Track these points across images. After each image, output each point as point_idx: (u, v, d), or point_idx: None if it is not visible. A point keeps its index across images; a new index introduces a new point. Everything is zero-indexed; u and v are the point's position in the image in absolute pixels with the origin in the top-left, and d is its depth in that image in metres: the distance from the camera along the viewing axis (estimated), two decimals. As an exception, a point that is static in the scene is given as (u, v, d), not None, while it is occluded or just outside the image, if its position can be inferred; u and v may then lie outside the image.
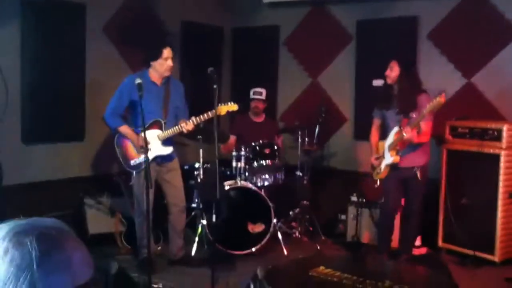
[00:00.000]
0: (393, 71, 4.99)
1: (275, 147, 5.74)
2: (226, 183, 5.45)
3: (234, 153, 5.66)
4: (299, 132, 6.01)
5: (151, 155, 4.77)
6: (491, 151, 5.09)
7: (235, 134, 6.13)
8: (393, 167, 4.99)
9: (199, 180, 5.41)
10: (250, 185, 5.48)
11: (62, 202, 5.52)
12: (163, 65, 4.85)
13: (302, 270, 3.07)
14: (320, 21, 6.80)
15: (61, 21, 5.51)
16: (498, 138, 5.07)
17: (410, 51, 6.13)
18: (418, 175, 4.92)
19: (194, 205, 5.53)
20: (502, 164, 5.01)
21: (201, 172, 5.42)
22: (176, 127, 4.87)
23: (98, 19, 5.86)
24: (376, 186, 5.20)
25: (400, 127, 4.85)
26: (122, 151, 4.92)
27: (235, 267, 5.08)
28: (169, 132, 4.87)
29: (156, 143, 4.84)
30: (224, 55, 7.35)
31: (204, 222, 5.30)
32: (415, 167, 4.93)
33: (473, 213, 5.15)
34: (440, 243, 5.48)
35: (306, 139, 6.07)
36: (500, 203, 5.01)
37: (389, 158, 4.97)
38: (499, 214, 5.01)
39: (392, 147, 4.94)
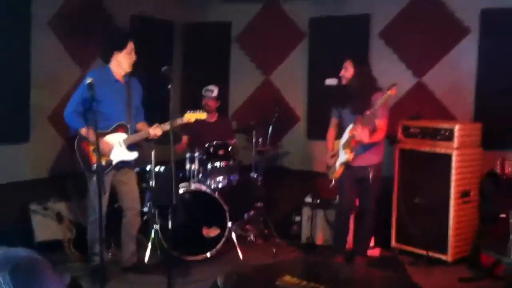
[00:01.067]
0: (348, 71, 4.98)
1: (229, 148, 5.64)
2: (180, 185, 5.30)
3: (187, 155, 5.51)
4: (254, 132, 5.92)
5: (114, 160, 4.58)
6: (443, 151, 5.14)
7: (187, 134, 5.97)
8: (347, 166, 4.98)
9: (151, 183, 5.22)
10: (204, 188, 5.37)
11: (5, 208, 5.26)
12: (128, 58, 4.63)
13: (267, 279, 3.01)
14: (273, 17, 6.73)
15: (4, 13, 5.21)
16: (450, 137, 5.13)
17: (362, 49, 6.14)
18: (370, 175, 4.92)
19: (145, 209, 5.35)
20: (454, 164, 5.07)
21: (153, 175, 5.24)
22: (143, 132, 4.69)
23: (43, 12, 5.57)
24: (331, 186, 5.17)
25: (354, 124, 4.82)
26: (83, 153, 4.64)
27: (190, 273, 4.96)
28: (135, 137, 4.68)
29: (120, 148, 4.62)
30: (175, 51, 7.17)
31: (157, 227, 5.14)
32: (368, 166, 4.93)
33: (426, 213, 5.20)
34: (393, 243, 5.52)
35: (260, 138, 5.99)
36: (452, 202, 5.08)
37: (343, 156, 4.95)
38: (452, 213, 5.08)
39: (346, 145, 4.92)
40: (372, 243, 5.53)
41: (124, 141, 4.62)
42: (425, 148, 5.26)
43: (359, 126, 4.70)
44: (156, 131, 4.65)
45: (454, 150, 5.09)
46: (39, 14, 5.52)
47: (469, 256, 5.18)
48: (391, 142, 5.70)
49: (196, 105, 6.26)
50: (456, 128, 5.11)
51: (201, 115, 4.84)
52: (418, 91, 5.91)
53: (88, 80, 4.09)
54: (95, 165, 4.54)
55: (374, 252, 5.47)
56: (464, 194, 5.13)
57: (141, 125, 4.85)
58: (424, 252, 5.18)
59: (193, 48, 7.22)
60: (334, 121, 5.24)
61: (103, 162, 4.51)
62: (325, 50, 6.29)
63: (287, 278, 3.02)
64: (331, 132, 5.25)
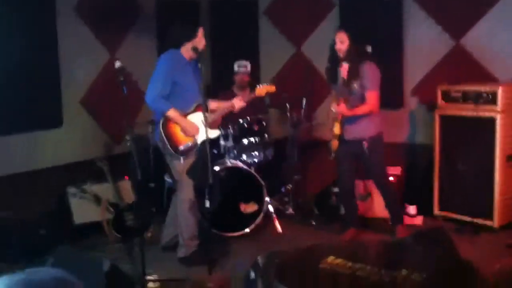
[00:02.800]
0: (344, 43, 4.76)
1: (263, 123, 5.54)
2: (216, 163, 5.24)
3: (221, 132, 5.43)
4: (287, 105, 5.80)
5: (199, 140, 4.52)
6: (487, 114, 4.95)
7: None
8: (341, 140, 4.84)
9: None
10: (240, 164, 5.29)
11: (43, 193, 5.31)
12: (201, 41, 4.56)
13: (311, 262, 2.88)
14: (301, -13, 6.54)
15: (29, 1, 5.17)
16: (493, 101, 4.92)
17: (396, 14, 5.94)
18: (365, 148, 4.75)
19: (168, 179, 5.30)
20: (498, 128, 4.88)
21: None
22: (226, 106, 4.71)
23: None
24: (330, 158, 4.99)
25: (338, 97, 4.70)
26: (169, 136, 4.48)
27: (230, 249, 4.92)
28: (220, 112, 4.71)
29: (202, 127, 4.48)
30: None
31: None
32: (361, 139, 4.76)
33: (470, 179, 5.04)
34: (436, 211, 5.37)
35: (294, 112, 5.87)
36: (497, 167, 4.89)
37: (333, 129, 4.84)
38: (497, 178, 4.90)
39: (334, 118, 4.80)
40: (414, 211, 5.40)
41: (206, 119, 4.51)
42: (467, 113, 5.07)
43: (335, 103, 4.60)
44: (240, 103, 4.69)
45: (498, 114, 4.89)
46: (64, 1, 5.47)
47: (516, 221, 5.02)
48: (430, 108, 5.53)
49: (229, 82, 6.20)
50: (499, 90, 4.90)
51: (271, 88, 4.85)
52: (456, 55, 5.68)
53: (118, 64, 4.10)
54: (182, 146, 4.47)
55: (416, 220, 5.34)
56: (510, 158, 4.94)
57: (212, 102, 4.78)
58: (469, 219, 5.02)
59: (220, 25, 7.09)
60: (333, 92, 5.06)
61: (190, 143, 4.48)
62: (356, 18, 6.09)
63: (331, 259, 2.87)
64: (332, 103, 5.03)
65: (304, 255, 3.15)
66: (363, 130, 4.76)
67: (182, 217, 4.56)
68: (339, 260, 2.82)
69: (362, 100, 4.71)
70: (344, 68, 4.67)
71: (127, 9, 6.15)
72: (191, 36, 4.52)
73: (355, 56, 4.70)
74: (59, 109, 5.53)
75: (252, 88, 6.05)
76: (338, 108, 4.64)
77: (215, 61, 7.10)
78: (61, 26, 5.46)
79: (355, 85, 4.64)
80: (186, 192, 4.49)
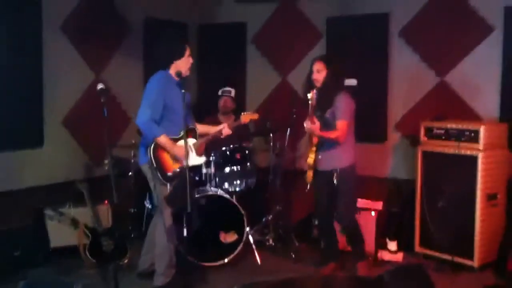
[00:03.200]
0: (321, 73, 4.69)
1: (246, 151, 5.51)
2: (196, 190, 5.18)
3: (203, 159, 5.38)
4: (271, 135, 5.78)
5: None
6: (468, 152, 4.97)
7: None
8: (315, 171, 4.79)
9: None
10: (221, 192, 5.24)
11: (20, 214, 5.20)
12: (188, 62, 4.49)
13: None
14: (289, 17, 6.60)
15: (16, 18, 5.14)
16: (475, 139, 4.94)
17: (381, 49, 6.00)
18: (334, 179, 4.70)
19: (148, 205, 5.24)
20: (480, 166, 4.89)
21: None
22: (214, 133, 4.64)
23: (55, 16, 5.51)
24: (306, 190, 4.91)
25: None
26: (159, 162, 4.38)
27: (208, 279, 4.83)
28: (207, 139, 4.63)
29: (192, 153, 4.44)
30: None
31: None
32: (332, 170, 4.71)
33: (451, 217, 5.02)
34: (417, 247, 5.35)
35: (277, 141, 5.85)
36: (478, 206, 4.89)
37: (307, 160, 4.79)
38: (478, 217, 4.90)
39: (310, 148, 4.76)
40: (394, 248, 5.37)
41: (194, 145, 4.42)
42: (449, 150, 5.08)
43: (308, 119, 4.53)
44: (227, 131, 4.64)
45: (480, 152, 4.90)
46: (51, 18, 5.46)
47: (495, 261, 5.00)
48: (412, 144, 5.55)
49: (213, 107, 6.19)
50: (482, 129, 4.93)
51: (254, 116, 4.85)
52: (440, 91, 5.73)
53: (100, 86, 4.02)
54: (170, 173, 4.39)
55: (397, 257, 5.31)
56: (490, 197, 4.95)
57: (200, 127, 4.71)
58: (449, 257, 5.00)
59: (208, 50, 7.10)
60: None
61: (178, 169, 4.39)
62: (343, 50, 6.14)
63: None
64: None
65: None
66: (334, 161, 4.71)
67: (161, 245, 4.48)
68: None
69: (332, 129, 4.66)
70: (313, 94, 4.49)
71: (114, 30, 6.13)
72: (179, 54, 4.44)
73: (331, 87, 4.65)
74: (40, 129, 5.45)
75: (237, 115, 6.07)
76: (312, 126, 4.53)
77: (202, 85, 7.09)
78: (46, 45, 5.42)
79: (327, 114, 4.60)
80: (166, 219, 4.42)
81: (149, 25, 6.46)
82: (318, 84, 4.69)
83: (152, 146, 4.36)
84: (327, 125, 4.65)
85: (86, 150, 5.88)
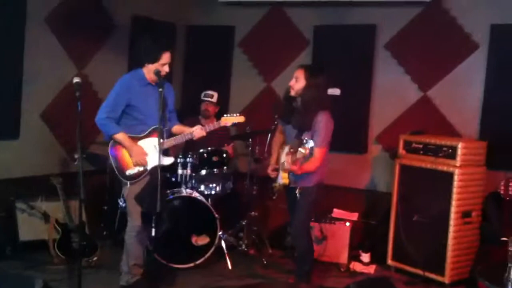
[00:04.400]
0: (299, 82, 4.39)
1: (224, 155, 5.47)
2: (170, 191, 5.13)
3: (180, 160, 5.34)
4: (250, 139, 5.74)
5: (149, 165, 4.37)
6: (445, 168, 4.95)
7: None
8: (286, 186, 4.60)
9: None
10: (196, 194, 5.19)
11: (-9, 205, 5.13)
12: (164, 68, 4.34)
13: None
14: (277, 23, 6.57)
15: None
16: (453, 155, 4.92)
17: (367, 60, 5.99)
18: (297, 196, 4.49)
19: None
20: (455, 183, 4.86)
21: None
22: (185, 134, 4.45)
23: (40, 8, 5.45)
24: (274, 198, 4.76)
25: (290, 149, 4.40)
26: (117, 159, 4.37)
27: (177, 281, 4.78)
28: (177, 139, 4.46)
29: (155, 153, 4.34)
30: (176, 54, 7.01)
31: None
32: (297, 187, 4.50)
33: (425, 232, 5.00)
34: (389, 260, 5.32)
35: (257, 146, 5.81)
36: (452, 222, 4.87)
37: (280, 180, 4.58)
38: (451, 234, 4.87)
39: (282, 168, 4.52)
40: (367, 259, 5.34)
41: (160, 145, 4.33)
42: (427, 164, 5.06)
43: (289, 158, 4.31)
44: (201, 133, 4.47)
45: (457, 169, 4.88)
46: (36, 10, 5.39)
47: (467, 279, 4.97)
48: (391, 157, 5.53)
49: (196, 109, 6.15)
50: (460, 145, 4.91)
51: (239, 119, 4.64)
52: (422, 105, 5.73)
53: (76, 80, 3.97)
54: (128, 171, 4.35)
55: (369, 268, 5.28)
56: (465, 215, 4.92)
57: (177, 127, 4.61)
58: (421, 273, 4.98)
59: (195, 51, 7.07)
60: (280, 127, 4.80)
61: (137, 169, 4.35)
62: (328, 59, 6.12)
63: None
64: (276, 139, 4.84)
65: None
66: (301, 180, 4.46)
67: (128, 244, 4.43)
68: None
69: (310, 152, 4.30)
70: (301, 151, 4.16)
71: (100, 25, 6.07)
72: (153, 59, 4.33)
73: (311, 106, 4.32)
74: (17, 120, 5.38)
75: (219, 118, 6.02)
76: (292, 167, 4.28)
77: (187, 86, 7.05)
78: (29, 36, 5.34)
79: (306, 138, 4.22)
80: (132, 218, 4.37)
81: (136, 23, 6.41)
82: (292, 93, 4.45)
83: (110, 143, 4.37)
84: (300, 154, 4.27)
85: (63, 145, 5.81)
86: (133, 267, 4.44)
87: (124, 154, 4.37)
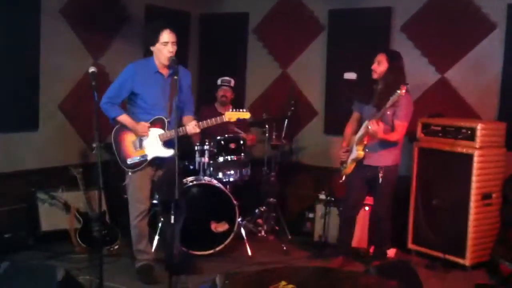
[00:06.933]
0: (381, 66, 4.73)
1: (241, 142, 5.48)
2: (188, 179, 5.15)
3: (197, 147, 5.36)
4: (267, 126, 5.74)
5: (149, 155, 4.41)
6: (464, 150, 4.91)
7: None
8: (358, 163, 4.79)
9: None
10: (214, 182, 5.21)
11: (13, 196, 5.20)
12: (162, 50, 4.28)
13: (261, 286, 2.81)
14: (291, 9, 6.52)
15: (14, 1, 5.11)
16: (472, 137, 4.89)
17: (383, 43, 5.92)
18: (380, 176, 4.70)
19: (155, 201, 5.20)
20: (475, 165, 4.84)
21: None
22: (181, 129, 4.33)
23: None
24: (341, 181, 4.98)
25: (370, 120, 4.61)
26: (119, 147, 4.45)
27: (197, 268, 4.81)
28: (172, 133, 4.28)
29: (156, 143, 4.40)
30: (191, 42, 7.02)
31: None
32: (378, 166, 4.71)
33: (445, 214, 4.97)
34: (409, 244, 5.31)
35: (274, 133, 5.81)
36: (472, 205, 4.85)
37: (354, 153, 4.78)
38: (471, 216, 4.85)
39: (359, 141, 4.73)
40: (388, 243, 5.34)
41: (160, 136, 4.33)
42: (446, 147, 5.03)
43: (374, 121, 4.50)
44: (194, 129, 4.37)
45: (476, 150, 4.85)
46: (51, 1, 5.41)
47: (488, 261, 4.95)
48: (410, 140, 5.49)
49: (212, 97, 6.16)
50: (479, 127, 4.87)
51: (244, 115, 4.53)
52: (440, 87, 5.67)
53: (92, 69, 3.94)
54: (130, 159, 4.42)
55: (389, 252, 5.26)
56: (485, 197, 4.89)
57: (186, 119, 4.55)
58: (441, 255, 4.96)
59: (209, 39, 7.06)
60: (355, 115, 5.03)
61: (138, 157, 4.40)
62: (344, 43, 6.09)
63: (282, 284, 2.80)
64: (349, 126, 5.04)
65: (256, 278, 3.06)
66: (383, 158, 4.71)
67: (131, 230, 4.59)
68: (290, 286, 2.75)
69: (391, 128, 4.66)
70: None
71: (115, 15, 6.09)
72: (152, 41, 4.29)
73: (393, 85, 4.47)
74: (36, 112, 5.43)
75: (236, 105, 6.03)
76: (377, 127, 4.50)
77: (202, 75, 7.05)
78: (45, 28, 5.37)
79: (388, 112, 4.55)
80: (132, 206, 4.47)
81: (150, 12, 6.41)
82: (375, 76, 4.73)
83: (114, 130, 4.45)
84: (387, 125, 4.66)
85: (82, 135, 5.85)
86: (137, 252, 4.57)
87: (127, 142, 4.43)
